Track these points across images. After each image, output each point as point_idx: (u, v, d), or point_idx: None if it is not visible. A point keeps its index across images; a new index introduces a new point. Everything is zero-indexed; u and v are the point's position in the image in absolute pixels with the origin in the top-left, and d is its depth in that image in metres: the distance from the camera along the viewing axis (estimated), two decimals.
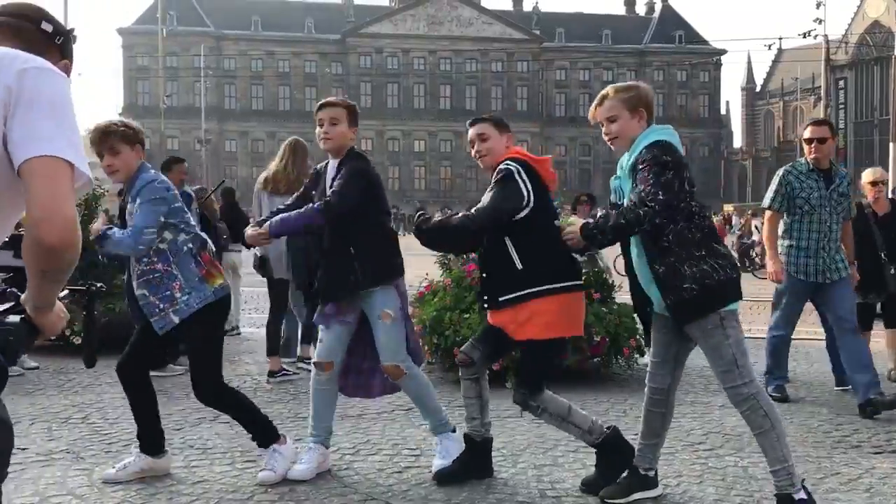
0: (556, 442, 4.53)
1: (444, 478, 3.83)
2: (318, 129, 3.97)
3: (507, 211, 3.58)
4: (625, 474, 3.65)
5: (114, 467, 3.90)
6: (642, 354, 6.52)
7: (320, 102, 4.07)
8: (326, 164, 4.08)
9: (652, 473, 3.65)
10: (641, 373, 6.60)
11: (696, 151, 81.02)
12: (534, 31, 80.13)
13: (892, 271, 6.08)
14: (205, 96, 63.32)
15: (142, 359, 3.98)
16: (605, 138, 3.54)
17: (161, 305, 3.74)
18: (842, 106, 77.55)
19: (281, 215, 3.92)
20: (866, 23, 75.08)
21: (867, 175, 6.35)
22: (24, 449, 4.32)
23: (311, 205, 3.89)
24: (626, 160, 3.46)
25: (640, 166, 3.28)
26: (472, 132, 3.86)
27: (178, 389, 5.98)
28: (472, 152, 3.88)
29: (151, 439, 3.94)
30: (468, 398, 3.89)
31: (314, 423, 4.06)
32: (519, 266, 3.60)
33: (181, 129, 71.89)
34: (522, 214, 3.59)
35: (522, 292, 3.61)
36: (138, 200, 3.72)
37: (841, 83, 77.41)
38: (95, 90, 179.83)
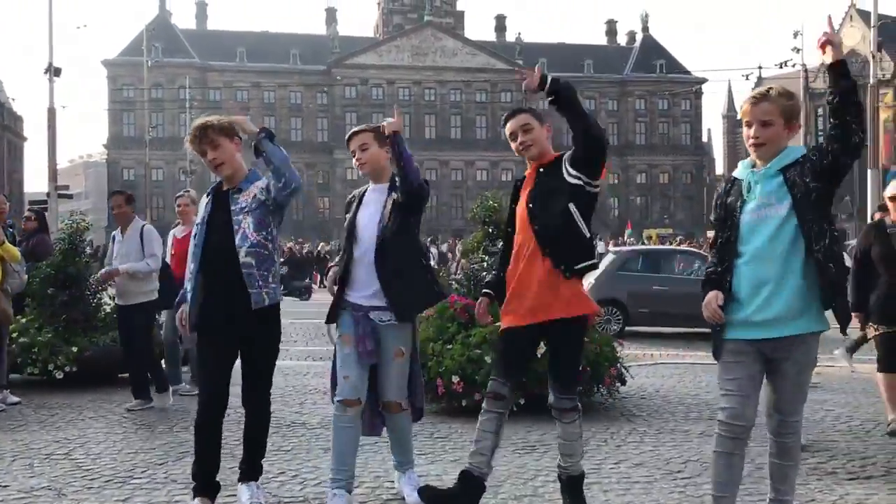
0: (537, 472, 4.58)
1: (434, 498, 3.83)
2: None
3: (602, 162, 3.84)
4: None
5: None
6: (623, 383, 6.60)
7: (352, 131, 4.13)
8: (364, 190, 4.13)
9: None
10: (622, 402, 6.69)
11: (678, 179, 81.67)
12: (517, 60, 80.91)
13: None
14: (190, 127, 63.26)
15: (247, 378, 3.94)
16: (750, 141, 3.20)
17: (260, 281, 3.81)
18: (821, 133, 78.61)
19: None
20: (843, 51, 76.32)
21: (888, 190, 5.64)
22: (5, 486, 4.32)
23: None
24: (752, 174, 3.23)
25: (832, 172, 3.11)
26: (513, 124, 3.89)
27: (162, 423, 6.00)
28: (515, 145, 3.88)
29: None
30: (486, 431, 3.77)
31: (340, 467, 3.83)
32: (587, 235, 3.77)
33: (166, 160, 71.83)
34: (597, 188, 3.82)
35: (591, 262, 3.80)
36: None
37: (820, 111, 78.44)
38: (81, 123, 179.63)
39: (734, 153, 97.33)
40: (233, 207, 3.84)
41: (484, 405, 3.80)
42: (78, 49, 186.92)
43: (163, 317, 7.73)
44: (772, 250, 3.12)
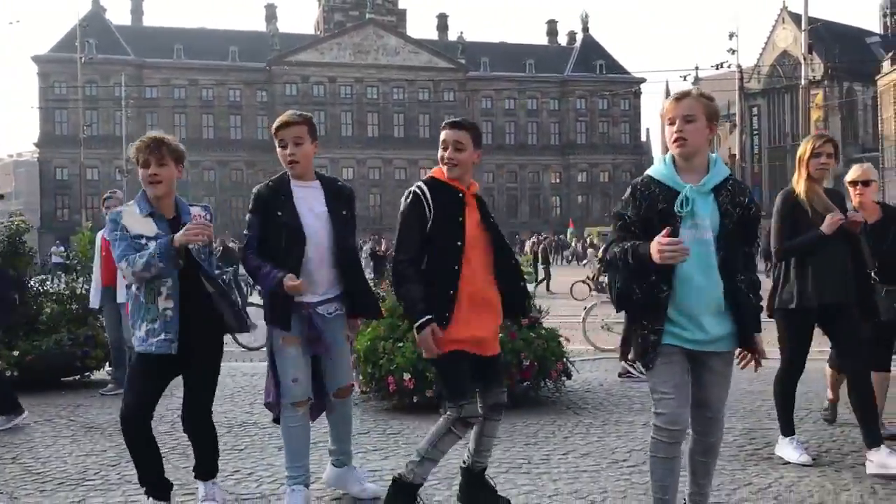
0: (489, 463, 4.70)
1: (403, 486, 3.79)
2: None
3: None
4: None
5: None
6: (569, 377, 6.78)
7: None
8: (286, 180, 4.02)
9: None
10: (569, 395, 6.87)
11: (618, 177, 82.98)
12: (459, 59, 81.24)
13: (883, 293, 5.07)
14: (126, 125, 61.95)
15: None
16: (674, 136, 3.24)
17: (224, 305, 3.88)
18: (756, 132, 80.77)
19: None
20: (776, 52, 78.56)
21: (849, 174, 5.19)
22: None
23: None
24: (689, 188, 3.22)
25: (755, 221, 3.32)
26: (449, 135, 3.76)
27: (112, 425, 5.96)
28: (442, 155, 3.76)
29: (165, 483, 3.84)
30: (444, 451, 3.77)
31: (296, 464, 3.90)
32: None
33: (101, 159, 70.19)
34: None
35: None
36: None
37: (755, 110, 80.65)
38: (11, 121, 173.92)
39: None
40: (189, 247, 3.70)
41: (455, 429, 3.66)
42: (9, 44, 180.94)
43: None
44: (702, 277, 3.19)
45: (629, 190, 3.31)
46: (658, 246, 3.03)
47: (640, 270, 3.16)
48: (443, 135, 3.79)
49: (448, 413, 3.66)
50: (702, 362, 3.30)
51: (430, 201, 3.67)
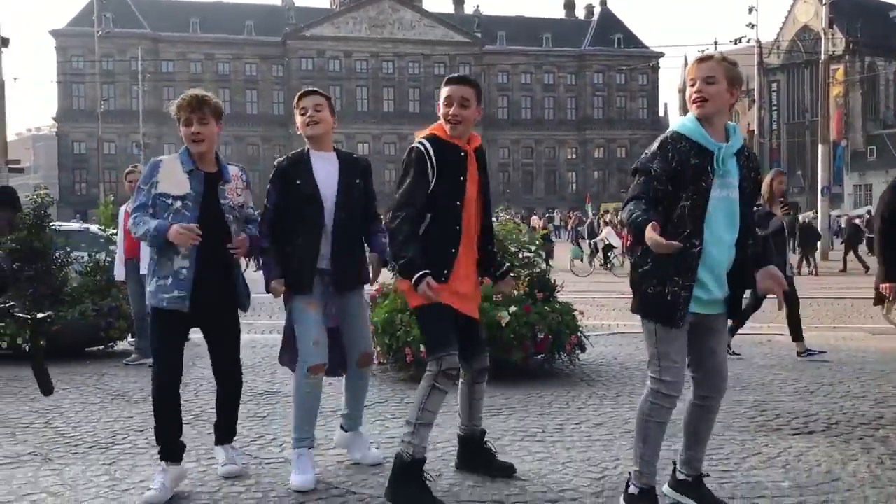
0: (504, 432, 4.83)
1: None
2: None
3: None
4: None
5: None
6: (583, 350, 6.89)
7: None
8: (306, 154, 4.11)
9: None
10: (582, 368, 6.99)
11: (635, 152, 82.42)
12: (475, 34, 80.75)
13: None
14: (142, 99, 62.20)
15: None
16: (694, 97, 3.28)
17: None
18: (774, 108, 79.97)
19: None
20: (796, 27, 77.56)
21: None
22: None
23: None
24: (722, 147, 3.26)
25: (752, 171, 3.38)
26: (455, 90, 3.71)
27: (137, 393, 6.13)
28: (446, 110, 3.71)
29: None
30: (435, 413, 3.69)
31: (305, 428, 3.99)
32: None
33: (118, 133, 70.66)
34: None
35: None
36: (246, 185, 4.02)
37: (774, 86, 79.80)
38: (30, 95, 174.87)
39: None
40: (222, 202, 3.86)
41: (438, 384, 3.59)
42: (28, 19, 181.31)
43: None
44: (729, 235, 3.29)
45: (657, 144, 3.29)
46: (657, 243, 2.99)
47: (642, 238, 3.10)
48: (446, 90, 3.74)
49: (428, 369, 3.64)
50: (707, 326, 3.38)
51: (434, 160, 3.65)
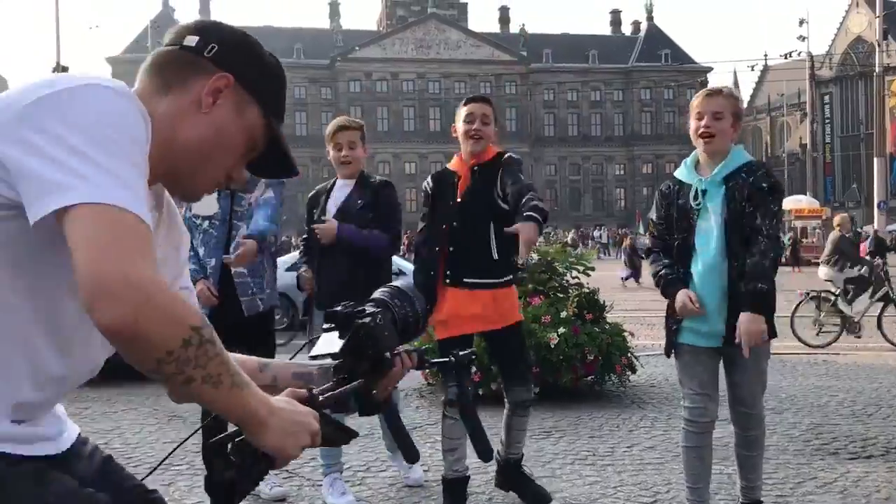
0: (554, 455, 4.83)
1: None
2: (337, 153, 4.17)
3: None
4: None
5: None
6: (634, 371, 6.84)
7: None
8: (334, 183, 4.30)
9: None
10: (633, 390, 6.93)
11: None
12: (521, 52, 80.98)
13: None
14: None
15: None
16: (701, 131, 3.33)
17: (254, 288, 4.08)
18: (827, 120, 78.47)
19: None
20: (849, 38, 76.19)
21: None
22: None
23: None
24: (699, 181, 3.34)
25: (765, 194, 3.26)
26: (476, 108, 3.85)
27: (193, 415, 6.26)
28: (468, 128, 3.81)
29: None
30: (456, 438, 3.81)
31: (333, 453, 4.07)
32: (496, 256, 3.78)
33: None
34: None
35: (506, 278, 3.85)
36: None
37: (826, 98, 78.37)
38: None
39: (741, 142, 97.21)
40: (236, 209, 4.02)
41: (446, 412, 3.80)
42: (86, 47, 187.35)
43: None
44: (718, 262, 3.27)
45: (657, 194, 3.53)
46: (686, 306, 3.24)
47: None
48: (468, 108, 3.86)
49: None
50: (727, 357, 3.39)
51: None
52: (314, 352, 1.43)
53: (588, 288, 7.09)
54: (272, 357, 4.10)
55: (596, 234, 57.20)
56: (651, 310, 16.20)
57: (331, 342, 1.40)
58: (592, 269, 7.23)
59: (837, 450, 4.92)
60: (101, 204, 1.08)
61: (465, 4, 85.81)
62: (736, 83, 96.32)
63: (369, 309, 1.39)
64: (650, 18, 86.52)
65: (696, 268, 3.31)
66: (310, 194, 4.37)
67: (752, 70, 49.75)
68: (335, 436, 1.29)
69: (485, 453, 1.59)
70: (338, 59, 78.13)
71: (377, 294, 1.45)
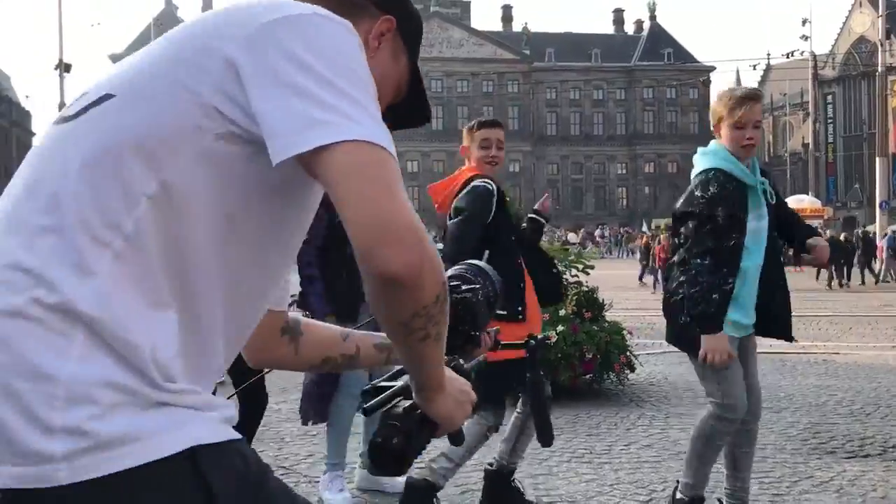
0: (551, 453, 4.83)
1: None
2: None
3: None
4: None
5: None
6: (632, 370, 6.85)
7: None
8: None
9: None
10: (631, 388, 6.94)
11: (687, 168, 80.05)
12: (524, 51, 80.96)
13: None
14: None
15: None
16: (749, 142, 3.30)
17: None
18: (830, 120, 78.37)
19: None
20: (852, 38, 76.04)
21: None
22: None
23: None
24: (760, 181, 3.35)
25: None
26: (492, 133, 3.80)
27: None
28: (485, 154, 3.77)
29: None
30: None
31: (342, 450, 4.12)
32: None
33: None
34: None
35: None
36: None
37: (829, 98, 78.27)
38: None
39: None
40: None
41: (489, 434, 3.73)
42: (88, 45, 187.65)
43: None
44: (765, 259, 3.30)
45: (715, 188, 3.22)
46: (720, 357, 3.20)
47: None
48: (483, 133, 3.78)
49: (483, 418, 3.62)
50: (745, 346, 3.42)
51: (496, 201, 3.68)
52: None
53: (587, 286, 7.10)
54: None
55: (598, 233, 57.27)
56: (651, 309, 16.20)
57: None
58: (591, 267, 7.24)
59: (835, 449, 4.93)
60: (368, 143, 1.00)
61: (468, 3, 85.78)
62: (738, 82, 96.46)
63: (464, 285, 1.34)
64: (653, 17, 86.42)
65: (748, 266, 3.26)
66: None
67: (755, 69, 49.83)
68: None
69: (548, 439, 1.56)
70: None
71: (456, 270, 1.38)
